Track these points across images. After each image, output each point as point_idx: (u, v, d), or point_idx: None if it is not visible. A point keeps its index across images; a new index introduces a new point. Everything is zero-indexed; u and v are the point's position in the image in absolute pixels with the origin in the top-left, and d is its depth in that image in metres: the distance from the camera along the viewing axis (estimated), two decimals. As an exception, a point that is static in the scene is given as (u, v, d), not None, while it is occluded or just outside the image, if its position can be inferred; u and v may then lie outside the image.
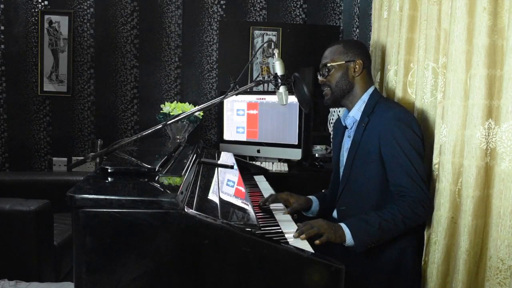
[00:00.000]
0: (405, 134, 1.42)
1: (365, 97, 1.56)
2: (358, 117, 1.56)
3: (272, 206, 1.65)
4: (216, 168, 1.70)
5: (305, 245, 1.22)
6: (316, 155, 2.67)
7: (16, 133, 2.85)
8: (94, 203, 0.98)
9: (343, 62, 1.55)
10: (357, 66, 1.55)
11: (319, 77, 1.62)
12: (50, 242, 1.89)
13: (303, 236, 1.26)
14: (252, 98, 2.63)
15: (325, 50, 1.62)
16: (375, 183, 1.48)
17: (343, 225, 1.33)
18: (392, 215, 1.34)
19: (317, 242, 1.25)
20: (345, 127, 1.64)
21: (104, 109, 2.91)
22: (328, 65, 1.56)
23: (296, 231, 1.29)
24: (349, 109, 1.61)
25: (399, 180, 1.40)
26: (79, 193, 0.99)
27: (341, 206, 1.59)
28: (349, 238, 1.31)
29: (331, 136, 2.51)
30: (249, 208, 1.31)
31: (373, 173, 1.47)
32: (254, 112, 2.64)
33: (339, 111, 2.43)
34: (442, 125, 1.41)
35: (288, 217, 1.54)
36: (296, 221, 1.49)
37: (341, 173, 1.64)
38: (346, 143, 1.62)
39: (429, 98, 1.55)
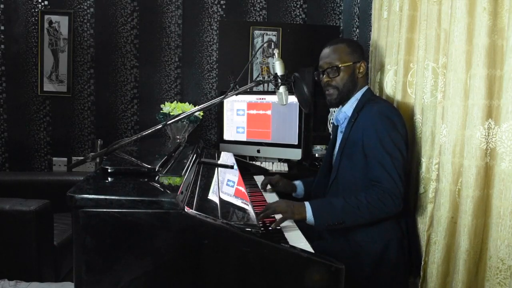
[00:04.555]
0: (386, 128, 1.45)
1: (358, 95, 1.61)
2: (349, 113, 1.60)
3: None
4: (216, 168, 1.70)
5: (305, 245, 1.23)
6: (316, 155, 2.67)
7: (16, 133, 2.85)
8: (94, 203, 0.98)
9: (351, 63, 1.58)
10: (361, 67, 1.60)
11: (322, 76, 1.63)
12: (50, 242, 1.89)
13: (260, 216, 1.38)
14: (252, 98, 2.63)
15: (324, 48, 1.63)
16: (360, 176, 1.51)
17: (306, 203, 1.42)
18: (358, 200, 1.40)
19: (272, 226, 1.37)
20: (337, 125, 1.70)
21: (104, 109, 2.91)
22: (340, 66, 1.58)
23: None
24: (342, 106, 1.65)
25: (375, 170, 1.44)
26: (79, 193, 0.99)
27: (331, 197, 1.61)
28: (309, 216, 1.40)
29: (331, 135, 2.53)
30: (249, 208, 1.31)
31: (358, 166, 1.51)
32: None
33: (339, 111, 2.43)
34: (442, 125, 1.41)
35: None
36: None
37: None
38: (339, 138, 1.67)
39: (429, 98, 1.55)
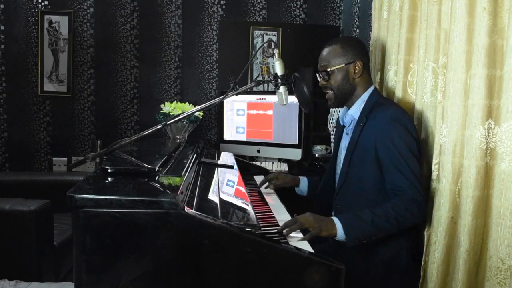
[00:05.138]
0: (400, 134, 1.42)
1: (365, 96, 1.57)
2: (356, 116, 1.56)
3: (270, 202, 1.69)
4: (216, 168, 1.70)
5: (305, 245, 1.22)
6: (316, 155, 2.67)
7: (16, 133, 2.85)
8: (94, 203, 0.98)
9: (343, 65, 1.54)
10: (357, 67, 1.54)
11: (319, 79, 1.61)
12: (50, 242, 1.89)
13: (285, 231, 1.28)
14: (252, 98, 2.63)
15: (322, 49, 1.60)
16: (371, 182, 1.48)
17: (335, 219, 1.33)
18: (385, 212, 1.34)
19: (303, 238, 1.27)
20: (343, 126, 1.65)
21: (104, 109, 2.91)
22: (328, 70, 1.55)
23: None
24: (348, 107, 1.61)
25: (395, 179, 1.40)
26: (79, 193, 0.99)
27: (338, 204, 1.59)
28: (340, 232, 1.31)
29: (331, 135, 2.52)
30: (249, 208, 1.31)
31: (369, 173, 1.48)
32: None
33: (339, 111, 2.43)
34: (442, 125, 1.41)
35: (288, 216, 1.54)
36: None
37: (338, 171, 1.64)
38: (344, 141, 1.63)
39: (429, 98, 1.55)
